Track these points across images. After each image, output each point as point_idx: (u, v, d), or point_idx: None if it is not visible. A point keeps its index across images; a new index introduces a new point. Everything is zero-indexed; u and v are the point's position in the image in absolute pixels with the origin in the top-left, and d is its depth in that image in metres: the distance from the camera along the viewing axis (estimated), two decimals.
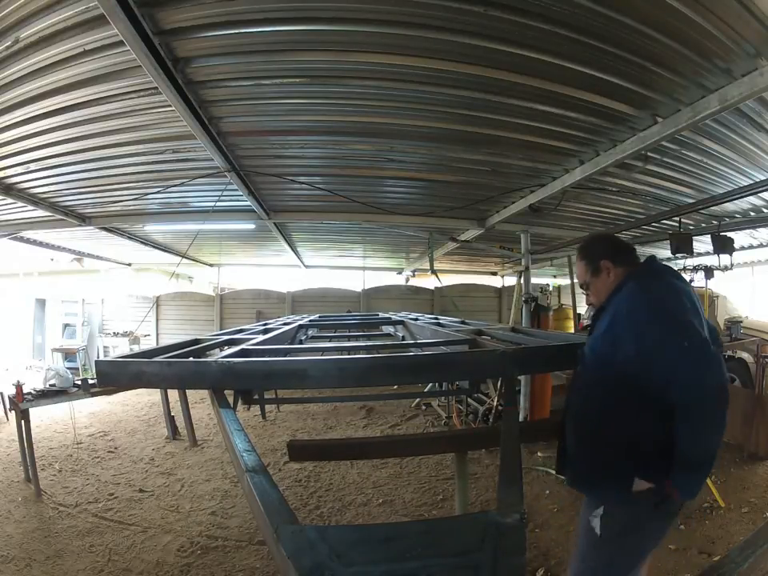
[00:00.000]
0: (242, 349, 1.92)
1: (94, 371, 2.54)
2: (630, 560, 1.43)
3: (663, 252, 7.52)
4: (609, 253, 1.56)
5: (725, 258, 4.49)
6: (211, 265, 11.60)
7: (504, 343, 2.19)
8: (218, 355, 1.80)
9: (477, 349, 2.00)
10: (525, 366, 1.73)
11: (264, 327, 3.40)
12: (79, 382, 4.23)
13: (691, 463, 1.31)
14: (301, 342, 3.24)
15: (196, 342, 2.32)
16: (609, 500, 1.40)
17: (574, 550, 1.58)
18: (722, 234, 4.50)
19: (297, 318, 4.92)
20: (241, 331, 3.15)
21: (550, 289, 9.77)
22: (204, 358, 1.92)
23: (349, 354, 2.61)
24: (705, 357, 1.26)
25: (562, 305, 8.43)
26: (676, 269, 1.76)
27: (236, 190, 4.66)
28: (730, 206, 4.86)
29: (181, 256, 8.36)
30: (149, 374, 1.53)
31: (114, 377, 1.60)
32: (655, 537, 1.46)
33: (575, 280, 6.47)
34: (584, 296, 1.72)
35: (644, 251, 7.76)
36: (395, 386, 5.70)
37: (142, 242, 8.03)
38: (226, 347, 2.22)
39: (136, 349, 6.97)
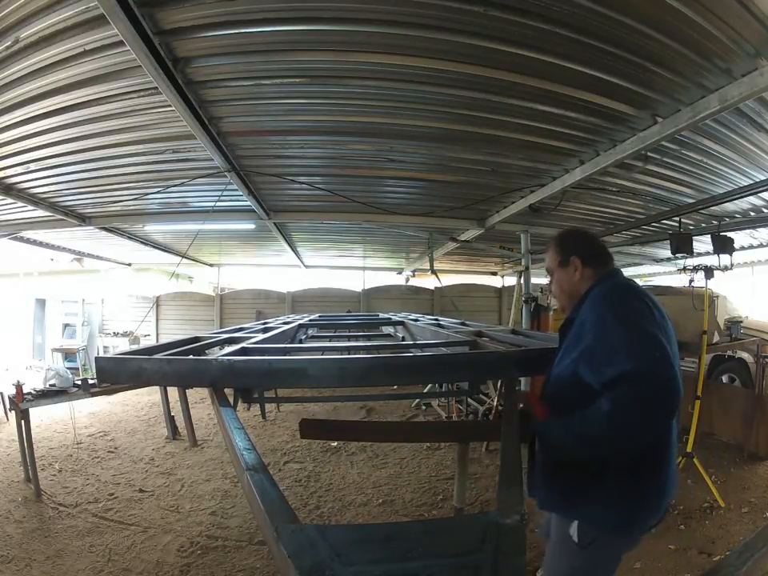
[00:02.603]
0: (242, 347, 1.91)
1: (94, 371, 2.54)
2: (605, 568, 1.39)
3: (663, 252, 7.54)
4: (581, 251, 1.50)
5: (725, 258, 4.48)
6: (211, 265, 11.61)
7: (504, 345, 2.18)
8: (217, 353, 1.79)
9: (477, 350, 2.00)
10: (524, 368, 1.72)
11: (264, 326, 3.39)
12: (79, 382, 4.22)
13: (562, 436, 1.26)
14: (301, 342, 3.24)
15: (196, 339, 2.31)
16: (581, 518, 1.34)
17: (548, 551, 1.53)
18: (722, 233, 4.50)
19: (297, 317, 4.91)
20: (240, 330, 3.15)
21: None
22: (204, 356, 1.92)
23: (349, 354, 2.61)
24: (668, 370, 1.14)
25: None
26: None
27: (236, 190, 4.66)
28: (730, 206, 4.87)
29: (181, 256, 8.37)
30: (149, 371, 1.52)
31: (113, 374, 1.58)
32: (626, 547, 1.41)
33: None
34: (548, 282, 1.65)
35: (644, 251, 7.79)
36: (395, 386, 5.70)
37: (142, 242, 8.04)
38: (226, 345, 2.22)
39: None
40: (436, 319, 4.15)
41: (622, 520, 1.29)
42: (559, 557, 1.43)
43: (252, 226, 6.29)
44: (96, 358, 1.62)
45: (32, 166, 4.16)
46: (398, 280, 11.51)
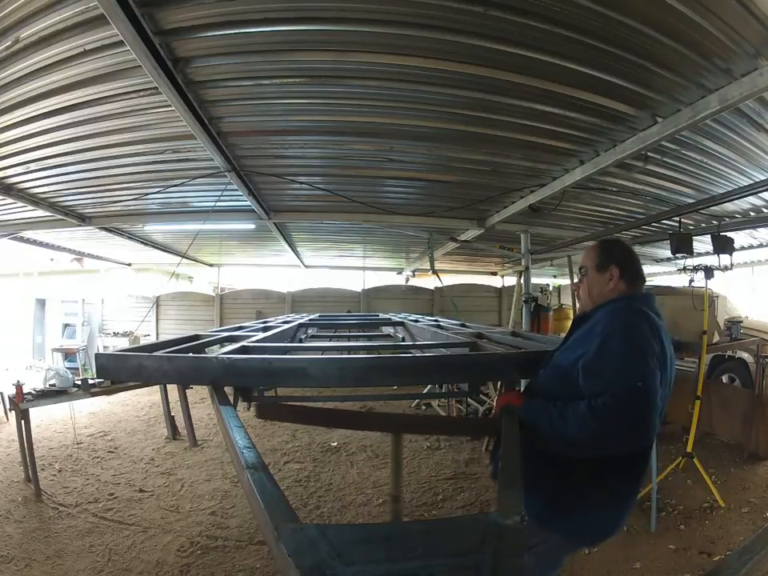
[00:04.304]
0: (243, 346, 1.91)
1: (93, 371, 2.54)
2: (552, 566, 1.45)
3: (663, 252, 7.53)
4: (623, 263, 1.50)
5: (725, 258, 4.48)
6: (211, 265, 11.60)
7: (504, 346, 2.19)
8: (218, 351, 1.80)
9: (477, 352, 2.00)
10: (524, 370, 1.73)
11: (264, 325, 3.40)
12: (79, 382, 4.22)
13: (544, 423, 1.30)
14: (301, 341, 3.24)
15: (196, 337, 2.32)
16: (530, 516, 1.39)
17: None
18: (722, 234, 4.49)
19: (297, 316, 4.91)
20: (241, 328, 3.15)
21: (550, 289, 9.77)
22: (204, 354, 1.92)
23: (349, 354, 2.61)
24: (646, 404, 1.19)
25: (562, 305, 8.43)
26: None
27: (236, 190, 4.66)
28: (730, 206, 4.86)
29: (181, 256, 8.36)
30: (149, 368, 1.52)
31: (114, 371, 1.59)
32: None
33: (575, 279, 6.55)
34: (577, 277, 1.67)
35: (644, 251, 7.78)
36: (395, 387, 5.71)
37: (142, 242, 8.03)
38: (226, 344, 2.22)
39: None
40: (436, 320, 4.15)
41: (578, 536, 1.36)
42: None
43: (252, 226, 6.29)
44: (96, 354, 1.63)
45: (32, 166, 4.16)
46: (398, 280, 11.51)
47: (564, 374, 1.37)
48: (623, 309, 1.39)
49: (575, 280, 6.15)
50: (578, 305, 1.67)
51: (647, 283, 1.60)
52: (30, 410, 3.89)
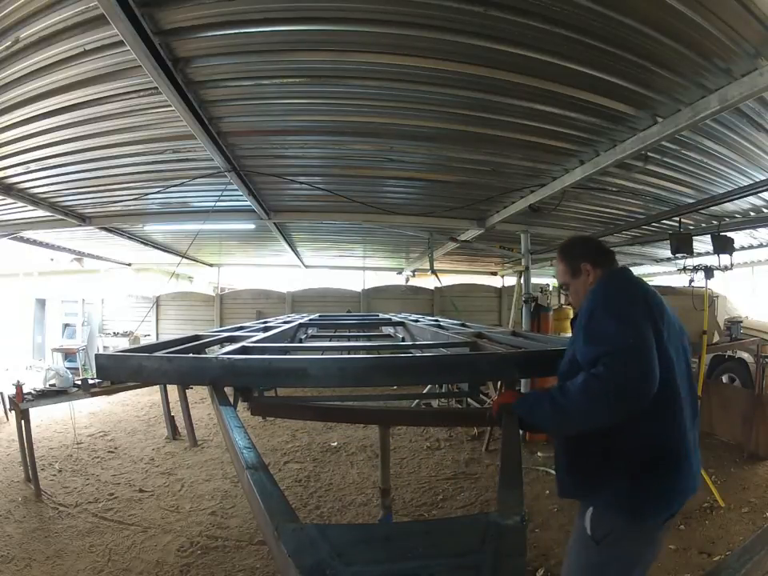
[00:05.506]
0: (243, 346, 1.91)
1: (94, 371, 2.54)
2: (622, 567, 1.38)
3: (663, 252, 7.54)
4: (589, 255, 1.57)
5: (725, 258, 4.48)
6: (211, 265, 11.61)
7: (504, 346, 2.18)
8: (218, 352, 1.80)
9: (477, 352, 2.00)
10: (524, 370, 1.73)
11: (264, 325, 3.39)
12: (79, 382, 4.22)
13: (540, 408, 1.34)
14: (301, 341, 3.24)
15: (196, 338, 2.31)
16: (596, 503, 1.38)
17: (567, 547, 1.56)
18: (722, 234, 4.50)
19: (297, 316, 4.91)
20: (241, 328, 3.15)
21: (550, 289, 9.76)
22: (204, 354, 1.92)
23: (349, 354, 2.61)
24: (639, 355, 1.23)
25: (562, 305, 8.42)
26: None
27: (236, 190, 4.66)
28: (729, 206, 4.87)
29: (181, 256, 8.37)
30: (149, 368, 1.52)
31: (114, 371, 1.59)
32: (647, 551, 1.41)
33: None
34: (564, 296, 1.76)
35: (644, 251, 7.79)
36: (395, 387, 5.70)
37: (142, 242, 8.04)
38: (227, 344, 2.22)
39: None
40: (436, 320, 4.14)
41: (633, 506, 1.31)
42: (576, 553, 1.46)
43: (252, 226, 6.29)
44: (96, 355, 1.63)
45: (32, 166, 4.16)
46: (397, 280, 11.51)
47: (569, 362, 1.44)
48: (599, 285, 1.49)
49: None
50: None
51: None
52: (30, 409, 3.89)
